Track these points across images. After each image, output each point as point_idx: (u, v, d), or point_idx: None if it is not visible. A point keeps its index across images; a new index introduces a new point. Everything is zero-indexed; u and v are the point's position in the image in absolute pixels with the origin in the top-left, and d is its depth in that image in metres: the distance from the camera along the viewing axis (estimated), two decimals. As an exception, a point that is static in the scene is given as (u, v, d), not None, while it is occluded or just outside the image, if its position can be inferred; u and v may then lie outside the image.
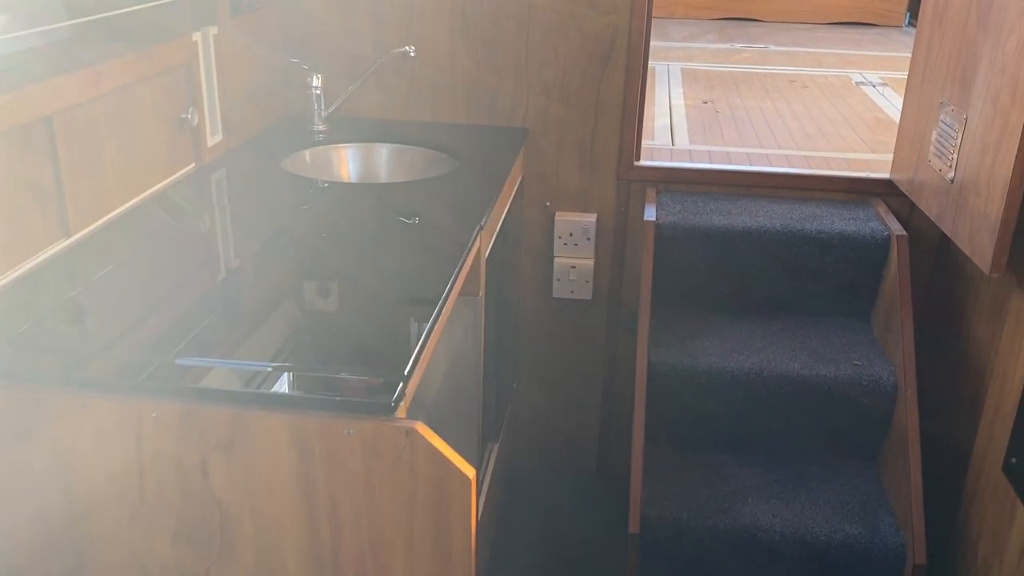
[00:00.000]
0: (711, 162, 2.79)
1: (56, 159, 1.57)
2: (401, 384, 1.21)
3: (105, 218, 1.72)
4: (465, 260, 1.62)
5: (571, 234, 2.57)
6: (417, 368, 1.28)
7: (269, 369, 1.25)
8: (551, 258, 2.61)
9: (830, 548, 2.08)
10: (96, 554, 1.27)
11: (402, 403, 1.20)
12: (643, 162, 2.55)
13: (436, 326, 1.39)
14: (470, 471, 1.18)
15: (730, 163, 2.77)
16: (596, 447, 2.82)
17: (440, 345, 1.90)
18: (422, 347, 1.30)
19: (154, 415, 1.19)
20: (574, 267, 2.60)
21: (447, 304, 1.47)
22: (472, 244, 1.68)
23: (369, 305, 1.52)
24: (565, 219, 2.57)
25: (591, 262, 2.60)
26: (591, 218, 2.56)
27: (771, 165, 2.72)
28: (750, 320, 2.41)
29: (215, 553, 1.25)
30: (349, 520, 1.22)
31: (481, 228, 1.79)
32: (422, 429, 1.17)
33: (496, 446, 2.44)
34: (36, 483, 1.23)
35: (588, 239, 2.58)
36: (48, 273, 1.51)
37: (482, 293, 1.87)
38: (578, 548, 2.50)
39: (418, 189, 2.12)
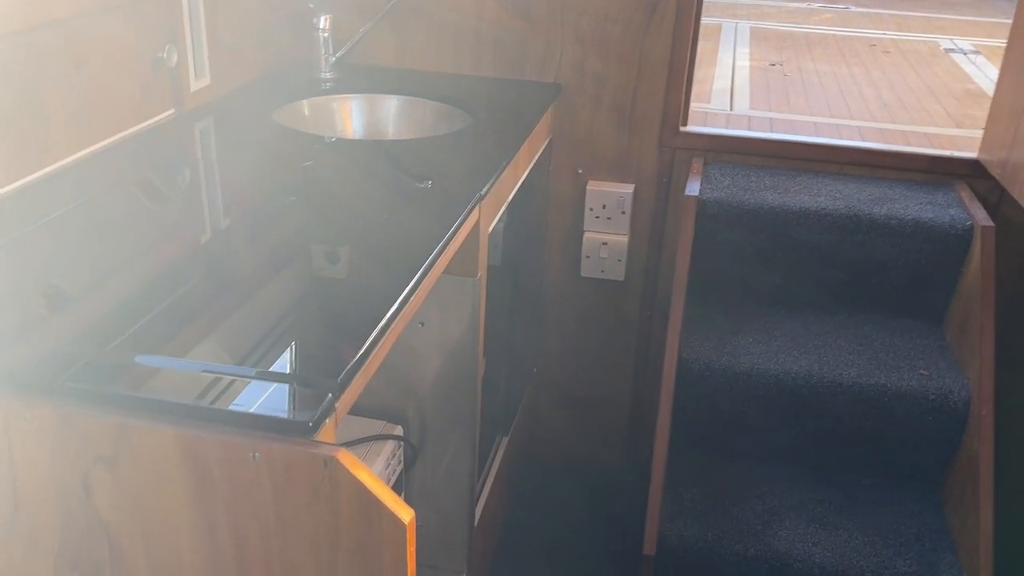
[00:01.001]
0: (772, 131, 2.47)
1: (-19, 96, 1.34)
2: (329, 396, 0.96)
3: (50, 167, 1.50)
4: (451, 239, 1.35)
5: (604, 206, 2.28)
6: (358, 376, 1.02)
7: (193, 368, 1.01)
8: (580, 233, 2.33)
9: (877, 587, 1.79)
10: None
11: (327, 421, 0.95)
12: (690, 128, 2.24)
13: (395, 321, 1.13)
14: (406, 514, 0.93)
15: (794, 133, 2.45)
16: (625, 441, 2.55)
17: (434, 331, 1.65)
18: (368, 350, 1.04)
19: (27, 416, 0.96)
20: (606, 244, 2.31)
21: (417, 293, 1.21)
22: (463, 219, 1.41)
23: (338, 289, 1.26)
24: (598, 189, 2.28)
25: (625, 239, 2.31)
26: (628, 189, 2.27)
27: (840, 138, 2.39)
28: (802, 316, 2.10)
29: (105, 584, 1.03)
30: (258, 561, 0.98)
31: (481, 198, 1.52)
32: (345, 459, 0.91)
33: (506, 438, 2.19)
34: None
35: (623, 212, 2.28)
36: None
37: (481, 274, 1.60)
38: (594, 559, 2.24)
39: (419, 148, 1.84)
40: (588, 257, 2.33)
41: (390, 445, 1.63)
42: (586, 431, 2.54)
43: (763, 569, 1.81)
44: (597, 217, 2.30)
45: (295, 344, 1.09)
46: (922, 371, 1.92)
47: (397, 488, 1.69)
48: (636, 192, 2.28)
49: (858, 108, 2.79)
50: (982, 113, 2.61)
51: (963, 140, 2.43)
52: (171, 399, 0.94)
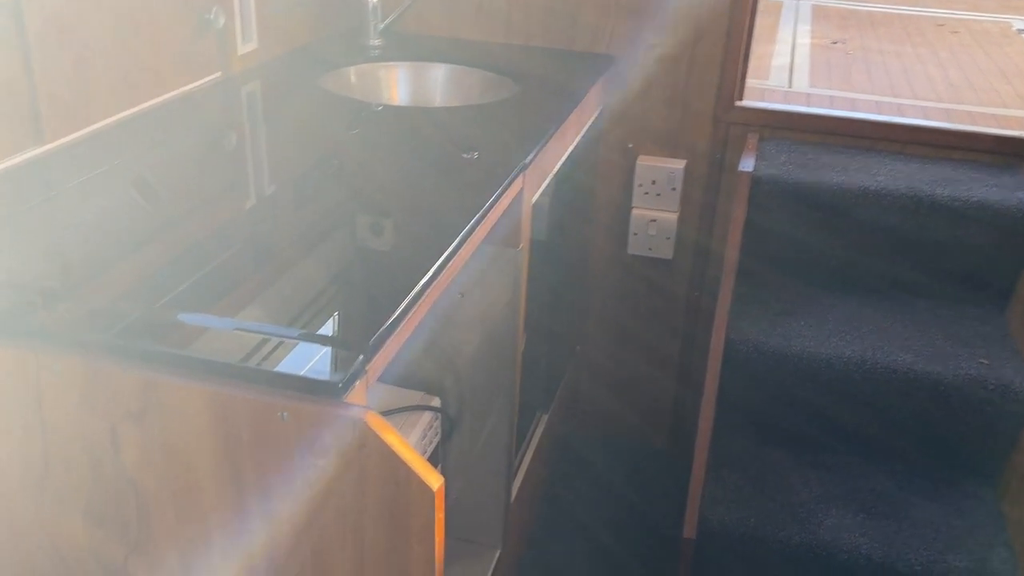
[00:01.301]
0: (832, 109, 2.39)
1: (27, 52, 1.34)
2: (360, 358, 0.93)
3: (94, 125, 1.49)
4: (491, 208, 1.32)
5: (654, 182, 2.23)
6: (391, 340, 0.99)
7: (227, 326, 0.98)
8: (629, 209, 2.27)
9: (927, 581, 1.72)
10: (4, 528, 1.05)
11: (358, 383, 0.92)
12: (746, 102, 2.17)
13: (430, 289, 1.10)
14: (435, 481, 0.90)
15: (854, 112, 2.36)
16: (667, 425, 2.50)
17: (474, 303, 1.61)
18: (401, 316, 1.01)
19: (55, 369, 0.95)
20: (654, 221, 2.26)
21: (454, 261, 1.18)
22: (504, 188, 1.37)
23: (378, 256, 1.23)
24: (648, 164, 2.22)
25: (675, 216, 2.25)
26: (679, 165, 2.21)
27: (903, 116, 2.30)
28: (857, 300, 2.03)
29: (132, 539, 1.02)
30: (286, 522, 0.96)
31: (524, 168, 1.48)
32: (374, 421, 0.89)
33: (546, 415, 2.16)
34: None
35: (673, 189, 2.23)
36: (6, 185, 1.29)
37: (524, 245, 1.57)
38: (633, 540, 2.20)
39: (465, 116, 1.81)
40: (636, 234, 2.28)
41: (427, 416, 1.60)
42: (629, 411, 2.50)
43: (807, 557, 1.76)
44: (647, 193, 2.24)
45: (335, 310, 1.07)
46: (982, 359, 1.84)
47: (434, 459, 1.66)
48: (688, 168, 2.22)
49: (923, 88, 2.69)
50: (1055, 95, 2.50)
51: (1034, 122, 2.32)
52: (200, 355, 0.92)
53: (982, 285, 2.00)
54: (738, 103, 2.15)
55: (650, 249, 2.29)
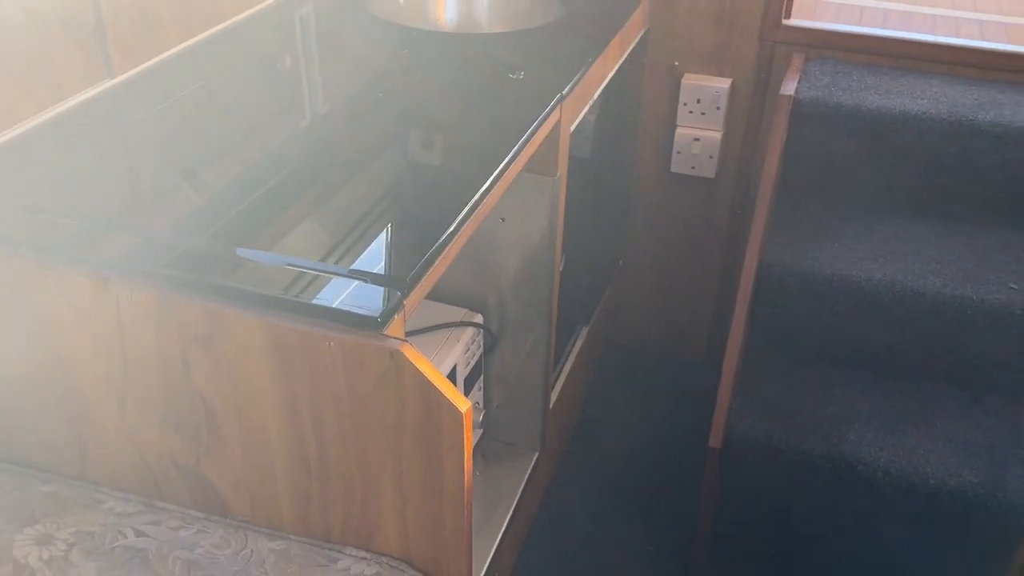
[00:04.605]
0: (885, 24, 2.36)
1: (95, -6, 1.43)
2: (398, 295, 1.03)
3: (159, 57, 1.59)
4: (528, 141, 1.39)
5: (699, 101, 2.26)
6: (428, 275, 1.09)
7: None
8: (673, 127, 2.31)
9: (940, 494, 1.81)
10: (95, 435, 1.21)
11: (396, 317, 1.03)
12: (793, 21, 2.16)
13: (466, 224, 1.19)
14: (463, 404, 1.02)
15: (908, 27, 2.33)
16: (706, 339, 2.59)
17: (514, 227, 1.70)
18: (435, 253, 1.11)
19: (131, 296, 1.08)
20: (698, 140, 2.29)
21: (492, 194, 1.27)
22: (541, 121, 1.44)
23: (418, 187, 1.33)
24: (693, 83, 2.24)
25: (718, 135, 2.28)
26: (724, 84, 2.23)
27: (959, 33, 2.26)
28: (892, 224, 2.06)
29: (203, 445, 1.17)
30: (334, 435, 1.09)
31: (562, 98, 1.54)
32: (409, 352, 1.00)
33: (587, 328, 2.26)
34: (26, 353, 1.17)
35: (718, 108, 2.25)
36: (76, 122, 1.40)
37: (561, 172, 1.64)
38: (662, 447, 2.33)
39: (506, 43, 1.86)
40: (679, 152, 2.33)
41: (470, 331, 1.72)
42: (669, 325, 2.59)
43: (827, 469, 1.86)
44: (691, 112, 2.27)
45: (379, 241, 1.18)
46: (1012, 285, 1.88)
47: (477, 371, 1.79)
48: (733, 87, 2.24)
49: (984, 1, 2.62)
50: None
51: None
52: (258, 291, 1.04)
53: (1021, 212, 2.01)
54: (785, 21, 2.15)
55: (693, 168, 2.34)
